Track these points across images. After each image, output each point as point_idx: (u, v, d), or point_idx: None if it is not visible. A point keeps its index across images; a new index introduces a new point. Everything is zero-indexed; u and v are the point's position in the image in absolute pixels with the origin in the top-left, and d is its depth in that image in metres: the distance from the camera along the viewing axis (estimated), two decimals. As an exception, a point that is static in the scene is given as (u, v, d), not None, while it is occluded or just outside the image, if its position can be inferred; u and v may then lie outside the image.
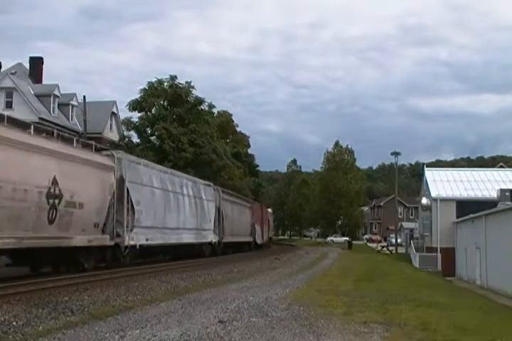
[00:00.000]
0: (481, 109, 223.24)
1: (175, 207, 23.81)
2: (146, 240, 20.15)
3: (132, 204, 19.02)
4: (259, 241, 43.62)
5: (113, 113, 47.63)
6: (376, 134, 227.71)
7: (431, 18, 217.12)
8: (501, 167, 55.15)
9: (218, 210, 30.44)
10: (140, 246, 19.48)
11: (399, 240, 59.78)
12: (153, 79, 44.70)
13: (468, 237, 33.04)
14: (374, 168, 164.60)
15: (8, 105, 38.77)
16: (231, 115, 65.04)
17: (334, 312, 9.77)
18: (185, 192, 25.51)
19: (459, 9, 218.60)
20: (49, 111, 40.57)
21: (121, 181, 18.46)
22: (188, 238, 25.19)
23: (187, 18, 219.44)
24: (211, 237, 28.67)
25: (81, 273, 15.34)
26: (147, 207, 20.46)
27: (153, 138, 44.49)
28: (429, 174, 43.62)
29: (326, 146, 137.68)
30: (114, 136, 46.01)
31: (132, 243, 18.84)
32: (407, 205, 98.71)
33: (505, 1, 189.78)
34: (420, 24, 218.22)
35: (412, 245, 46.39)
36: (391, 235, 67.31)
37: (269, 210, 64.00)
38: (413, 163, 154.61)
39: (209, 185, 30.12)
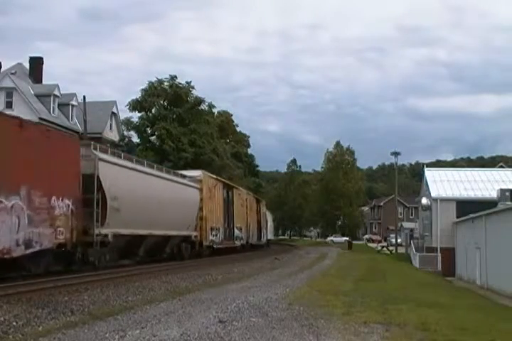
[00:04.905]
0: (480, 109, 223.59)
1: None
2: None
3: None
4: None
5: (113, 113, 47.58)
6: (376, 134, 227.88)
7: (429, 19, 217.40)
8: (501, 167, 55.13)
9: None
10: None
11: (399, 240, 59.70)
12: (154, 79, 44.88)
13: (469, 237, 33.01)
14: (374, 168, 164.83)
15: (8, 105, 38.76)
16: (231, 115, 65.15)
17: (334, 312, 9.76)
18: None
19: (457, 10, 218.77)
20: (49, 111, 40.55)
21: None
22: None
23: (186, 18, 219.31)
24: None
25: (81, 273, 15.34)
26: None
27: (153, 138, 44.59)
28: (429, 174, 43.59)
29: (326, 146, 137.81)
30: (114, 136, 45.99)
31: None
32: (407, 205, 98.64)
33: (504, 1, 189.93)
34: (419, 25, 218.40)
35: (412, 245, 46.36)
36: (391, 235, 67.25)
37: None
38: (413, 163, 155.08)
39: None
